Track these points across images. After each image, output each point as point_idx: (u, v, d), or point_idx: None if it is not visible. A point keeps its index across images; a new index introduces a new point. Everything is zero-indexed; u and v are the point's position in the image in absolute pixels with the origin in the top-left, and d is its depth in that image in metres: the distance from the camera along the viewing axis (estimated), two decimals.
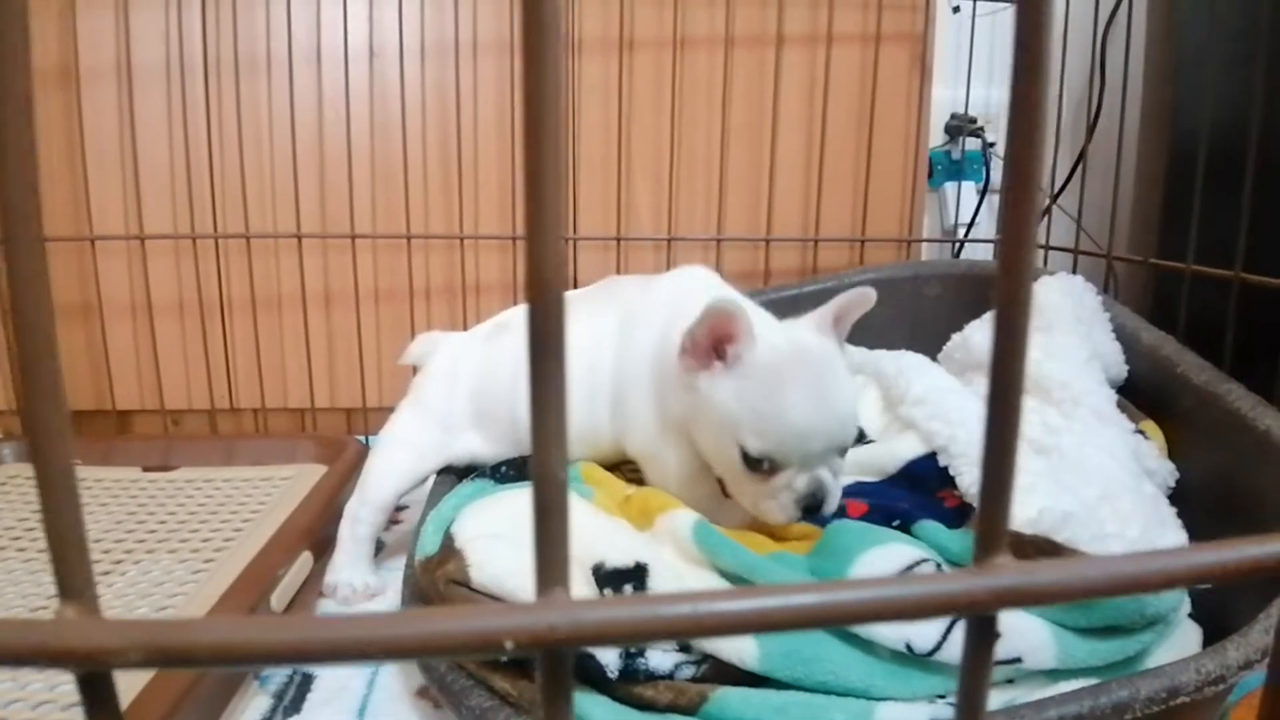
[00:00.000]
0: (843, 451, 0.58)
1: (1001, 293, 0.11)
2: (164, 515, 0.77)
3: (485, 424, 0.71)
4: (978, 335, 0.73)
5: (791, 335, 0.60)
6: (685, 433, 0.62)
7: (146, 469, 0.87)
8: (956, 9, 1.01)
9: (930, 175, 1.18)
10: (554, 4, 0.12)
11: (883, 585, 0.11)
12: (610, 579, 0.50)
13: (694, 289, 0.64)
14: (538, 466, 0.11)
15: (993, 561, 0.11)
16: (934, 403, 0.61)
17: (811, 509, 0.56)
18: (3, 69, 0.12)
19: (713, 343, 0.57)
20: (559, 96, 0.12)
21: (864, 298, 0.61)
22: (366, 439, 0.93)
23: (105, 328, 1.00)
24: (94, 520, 0.76)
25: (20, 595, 0.63)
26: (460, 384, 0.72)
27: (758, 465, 0.56)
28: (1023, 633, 0.45)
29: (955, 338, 0.79)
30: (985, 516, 0.12)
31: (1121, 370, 0.70)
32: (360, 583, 0.69)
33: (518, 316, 0.74)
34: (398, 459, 0.71)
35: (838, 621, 0.11)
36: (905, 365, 0.64)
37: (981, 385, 0.70)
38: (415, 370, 0.78)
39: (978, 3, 1.06)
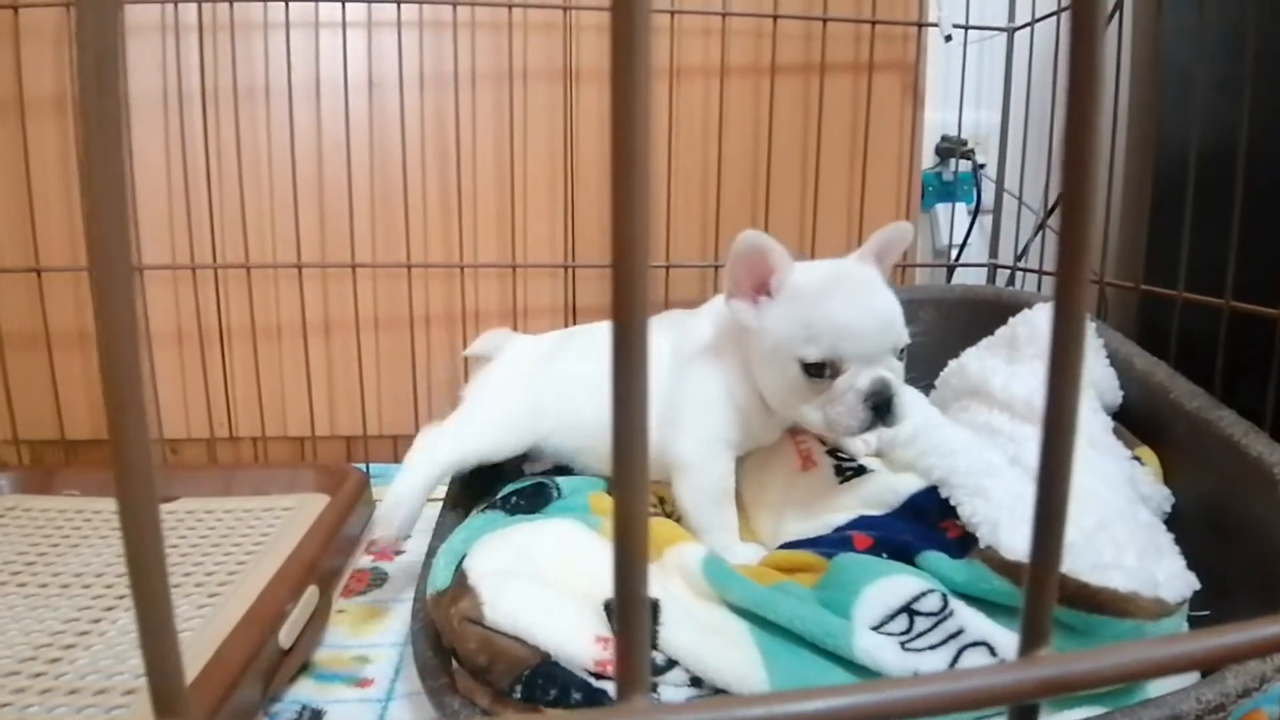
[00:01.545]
0: (898, 354, 0.61)
1: (1046, 455, 0.12)
2: (166, 548, 0.76)
3: (559, 426, 0.73)
4: (974, 363, 0.74)
5: (829, 263, 0.65)
6: (746, 423, 0.66)
7: None
8: (949, 38, 1.02)
9: (922, 197, 1.20)
10: (645, 28, 0.13)
11: (938, 681, 0.12)
12: None
13: None
14: (621, 584, 0.11)
15: (1036, 655, 0.12)
16: (923, 439, 0.63)
17: (881, 408, 0.58)
18: (101, 109, 0.12)
19: (754, 283, 0.62)
20: (647, 124, 0.13)
21: (902, 232, 0.65)
22: (367, 467, 0.93)
23: None
24: (95, 553, 0.76)
25: (23, 632, 0.63)
26: (526, 385, 0.74)
27: (820, 372, 0.59)
28: None
29: (952, 364, 0.79)
30: (1029, 615, 0.13)
31: (1116, 396, 0.71)
32: (403, 533, 0.69)
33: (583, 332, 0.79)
34: (493, 426, 0.72)
35: (901, 715, 0.12)
36: None
37: (978, 412, 0.71)
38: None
39: (968, 30, 1.08)
